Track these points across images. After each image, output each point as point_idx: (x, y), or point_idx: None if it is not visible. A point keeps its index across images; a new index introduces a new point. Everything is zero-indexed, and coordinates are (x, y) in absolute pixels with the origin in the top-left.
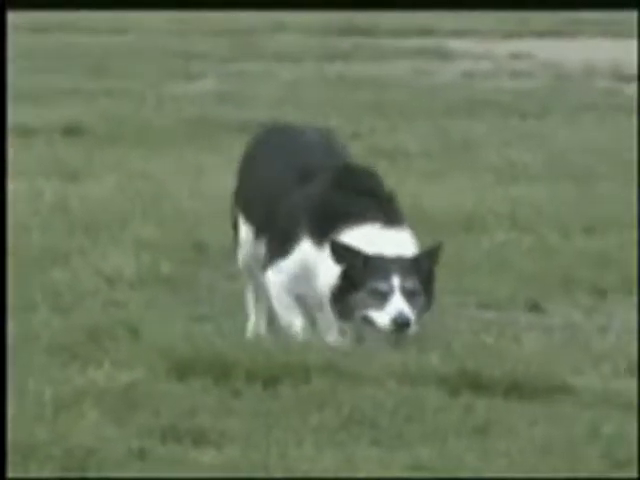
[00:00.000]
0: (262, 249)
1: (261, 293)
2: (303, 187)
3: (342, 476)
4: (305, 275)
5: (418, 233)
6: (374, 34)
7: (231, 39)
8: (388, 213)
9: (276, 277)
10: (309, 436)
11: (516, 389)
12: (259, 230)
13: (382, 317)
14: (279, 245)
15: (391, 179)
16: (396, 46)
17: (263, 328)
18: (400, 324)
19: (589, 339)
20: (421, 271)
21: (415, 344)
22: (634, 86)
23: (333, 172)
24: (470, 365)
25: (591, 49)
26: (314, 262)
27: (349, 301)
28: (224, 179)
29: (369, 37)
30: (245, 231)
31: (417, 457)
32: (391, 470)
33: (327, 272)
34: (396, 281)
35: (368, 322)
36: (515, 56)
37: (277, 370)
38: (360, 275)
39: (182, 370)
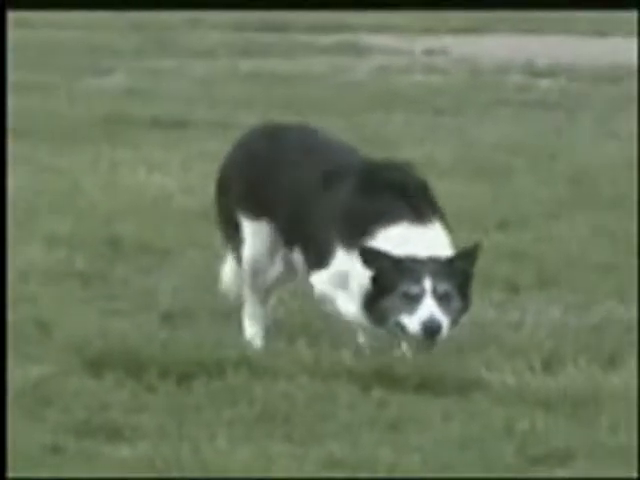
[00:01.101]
0: (295, 256)
1: (262, 300)
2: (330, 190)
3: (256, 471)
4: (343, 286)
5: None
6: (289, 30)
7: (144, 35)
8: (418, 209)
9: (320, 283)
10: (222, 431)
11: (429, 384)
12: (288, 237)
13: (412, 322)
14: (316, 257)
15: None
16: (311, 42)
17: (261, 337)
18: (430, 329)
19: (503, 335)
20: (456, 273)
21: (327, 340)
22: (547, 81)
23: (359, 172)
24: (383, 361)
25: (505, 46)
26: (347, 271)
27: (381, 307)
28: (138, 174)
29: (284, 33)
30: (253, 230)
31: (330, 452)
32: (304, 465)
33: (359, 278)
34: (428, 284)
35: (401, 329)
36: (430, 52)
37: (191, 365)
38: (390, 279)
39: (95, 365)
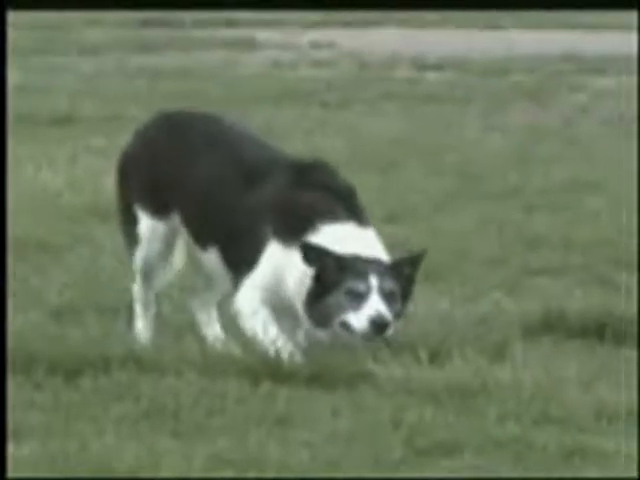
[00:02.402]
0: (208, 257)
1: (152, 297)
2: (255, 188)
3: (144, 467)
4: (278, 282)
5: None
6: (181, 26)
7: (35, 33)
8: (353, 210)
9: (250, 295)
10: (110, 427)
11: (318, 378)
12: (201, 236)
13: (359, 319)
14: (244, 257)
15: None
16: (203, 37)
17: (150, 333)
18: (378, 325)
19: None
20: (400, 276)
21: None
22: (435, 75)
23: (289, 169)
24: (271, 355)
25: (392, 39)
26: (284, 266)
27: (324, 306)
28: (25, 171)
29: (176, 29)
30: (150, 228)
31: (219, 448)
32: (193, 462)
33: (297, 276)
34: (374, 281)
35: (346, 328)
36: (318, 45)
37: (78, 362)
38: (335, 276)
39: None
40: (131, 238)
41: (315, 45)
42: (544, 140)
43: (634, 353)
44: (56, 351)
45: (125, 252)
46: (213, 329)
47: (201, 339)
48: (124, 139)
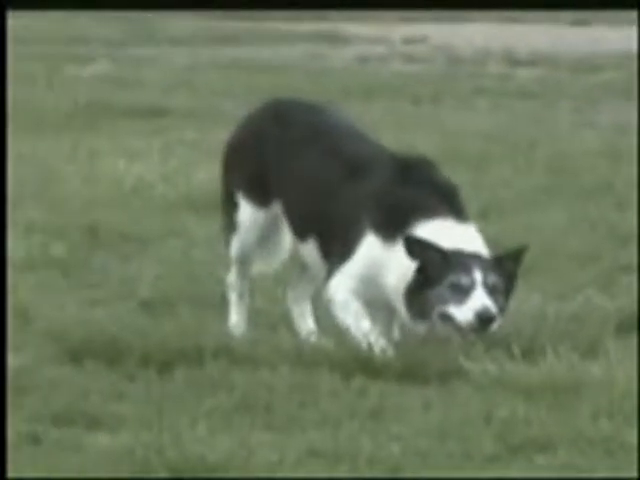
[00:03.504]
0: (307, 248)
1: (246, 288)
2: (357, 181)
3: (236, 459)
4: (374, 275)
5: None
6: (268, 18)
7: (125, 24)
8: (456, 207)
9: (343, 283)
10: (203, 420)
11: (410, 373)
12: (301, 226)
13: (464, 313)
14: (341, 247)
15: None
16: (290, 30)
17: (243, 325)
18: (484, 319)
19: None
20: (503, 272)
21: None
22: (526, 71)
23: (392, 164)
24: (363, 349)
25: (484, 34)
26: (382, 260)
27: (426, 298)
28: (118, 163)
29: (263, 21)
30: (250, 216)
31: (311, 441)
32: (285, 454)
33: (399, 269)
34: (478, 276)
35: (447, 320)
36: (410, 41)
37: (171, 354)
38: (438, 270)
39: (74, 354)
40: (230, 226)
41: (407, 40)
42: (633, 137)
43: None
44: (149, 343)
45: (222, 241)
46: (306, 322)
47: (294, 332)
48: (216, 132)
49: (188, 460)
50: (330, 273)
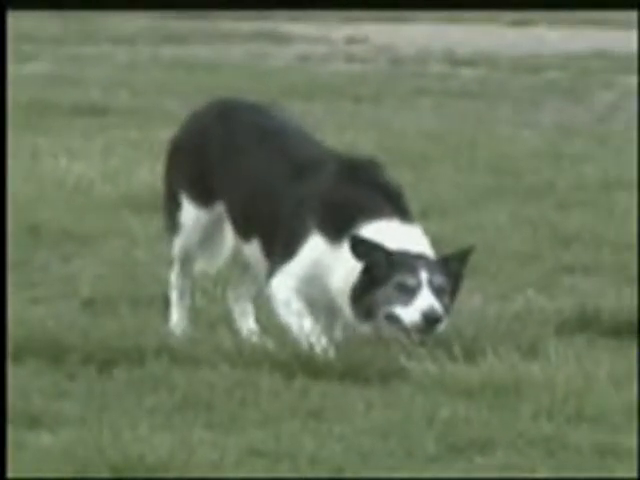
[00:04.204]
0: (250, 248)
1: (187, 287)
2: (302, 182)
3: (177, 458)
4: (318, 276)
5: None
6: (211, 17)
7: (65, 22)
8: (401, 208)
9: (285, 282)
10: (144, 419)
11: (352, 373)
12: (244, 226)
13: (410, 313)
14: (285, 246)
15: None
16: (233, 30)
17: (184, 325)
18: (430, 320)
19: None
20: (449, 273)
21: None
22: (468, 71)
23: (338, 165)
24: (304, 349)
25: (426, 34)
26: (327, 260)
27: (371, 299)
28: (59, 162)
29: (205, 20)
30: (193, 216)
31: (252, 440)
32: (226, 453)
33: (344, 270)
34: (424, 276)
35: (393, 320)
36: (351, 40)
37: (112, 353)
38: (384, 270)
39: (15, 353)
40: (173, 226)
41: (349, 40)
42: (576, 137)
43: None
44: (90, 342)
45: (164, 241)
46: (247, 322)
47: (235, 332)
48: (158, 131)
49: (129, 459)
50: (272, 272)
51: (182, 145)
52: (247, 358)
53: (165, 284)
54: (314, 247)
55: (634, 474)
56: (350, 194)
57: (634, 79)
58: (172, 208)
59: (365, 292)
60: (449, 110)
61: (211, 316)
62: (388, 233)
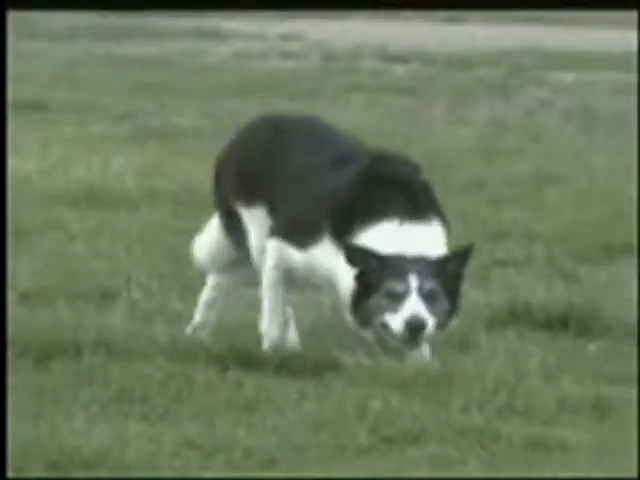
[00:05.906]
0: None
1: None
2: (333, 172)
3: (112, 450)
4: (317, 276)
5: (187, 213)
6: (148, 14)
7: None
8: (417, 205)
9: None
10: (79, 411)
11: (286, 366)
12: (272, 207)
13: (397, 321)
14: (299, 230)
15: (161, 159)
16: (170, 27)
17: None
18: (414, 328)
19: None
20: (445, 273)
21: (186, 321)
22: (400, 67)
23: (364, 160)
24: (239, 342)
25: (359, 31)
26: (334, 266)
27: (365, 307)
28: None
29: (143, 17)
30: (260, 220)
31: (187, 433)
32: (161, 445)
33: (346, 277)
34: (414, 282)
35: (386, 328)
36: (286, 37)
37: (48, 346)
38: (376, 277)
39: None
40: (240, 235)
41: (284, 37)
42: (508, 133)
43: (596, 345)
44: (26, 335)
45: (100, 235)
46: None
47: (170, 324)
48: (95, 127)
49: (64, 452)
50: (278, 236)
51: (234, 157)
52: (182, 351)
53: (101, 278)
54: (323, 251)
55: (561, 466)
56: (358, 194)
57: (565, 75)
58: (232, 221)
59: (360, 299)
60: (382, 106)
61: (147, 310)
62: (391, 235)
